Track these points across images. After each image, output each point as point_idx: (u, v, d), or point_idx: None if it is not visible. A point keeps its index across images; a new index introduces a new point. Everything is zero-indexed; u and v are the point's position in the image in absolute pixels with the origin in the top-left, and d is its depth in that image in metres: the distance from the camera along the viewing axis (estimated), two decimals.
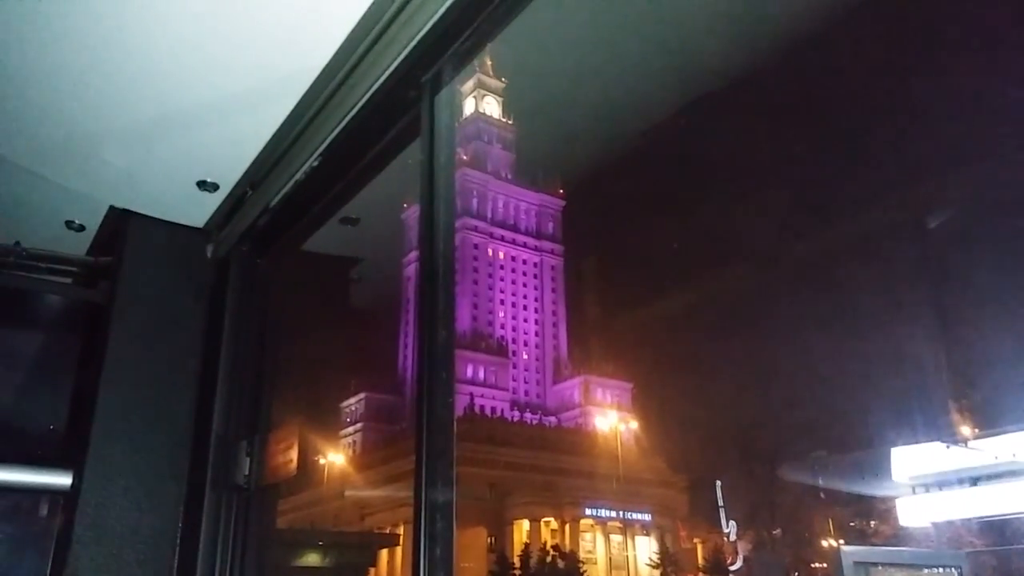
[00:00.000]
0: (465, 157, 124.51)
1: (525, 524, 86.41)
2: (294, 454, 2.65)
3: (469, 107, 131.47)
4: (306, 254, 3.46)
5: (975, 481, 13.24)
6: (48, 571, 2.77)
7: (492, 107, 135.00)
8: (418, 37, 2.09)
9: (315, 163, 2.67)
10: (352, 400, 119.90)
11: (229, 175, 2.93)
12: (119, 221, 3.15)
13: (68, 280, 3.40)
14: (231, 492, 2.83)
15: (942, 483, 13.51)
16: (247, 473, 2.80)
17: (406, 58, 2.16)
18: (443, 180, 2.15)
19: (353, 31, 2.18)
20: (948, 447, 13.61)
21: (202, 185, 2.96)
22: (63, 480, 2.76)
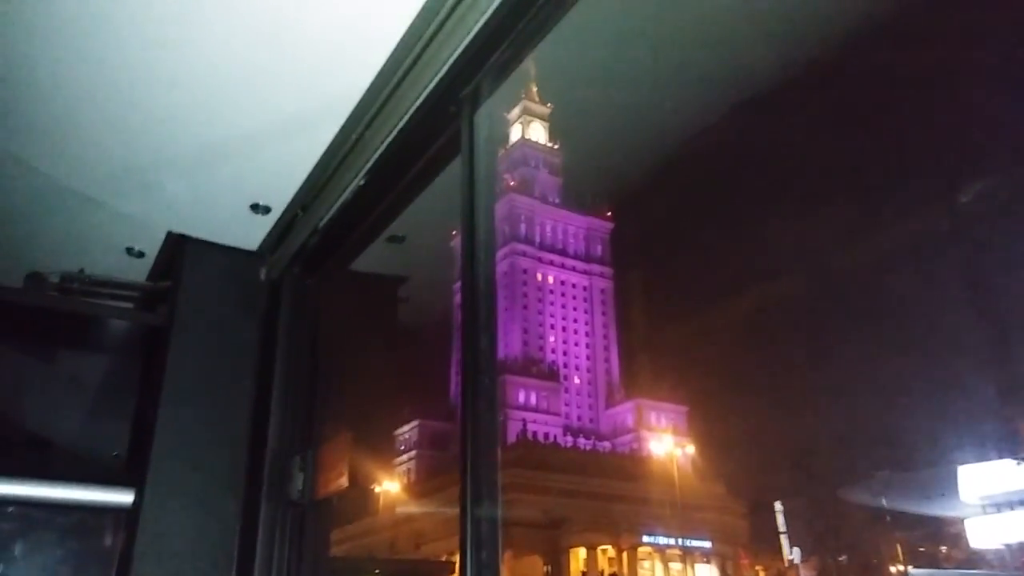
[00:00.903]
0: (512, 183, 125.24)
1: (581, 552, 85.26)
2: (345, 468, 2.71)
3: (516, 133, 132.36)
4: (355, 274, 3.53)
5: None
6: None
7: (538, 132, 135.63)
8: (456, 53, 2.15)
9: (361, 183, 2.74)
10: (406, 428, 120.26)
11: (280, 198, 3.03)
12: (176, 246, 3.28)
13: (129, 305, 3.53)
14: (286, 507, 2.90)
15: (1014, 502, 12.99)
16: (301, 488, 2.87)
17: (445, 75, 2.23)
18: (483, 193, 2.20)
19: (394, 51, 2.26)
20: (1020, 464, 13.12)
21: (255, 208, 3.06)
22: (125, 498, 2.85)
